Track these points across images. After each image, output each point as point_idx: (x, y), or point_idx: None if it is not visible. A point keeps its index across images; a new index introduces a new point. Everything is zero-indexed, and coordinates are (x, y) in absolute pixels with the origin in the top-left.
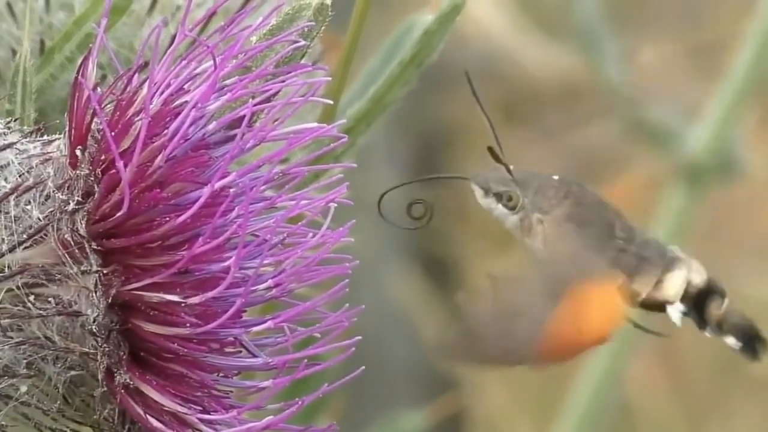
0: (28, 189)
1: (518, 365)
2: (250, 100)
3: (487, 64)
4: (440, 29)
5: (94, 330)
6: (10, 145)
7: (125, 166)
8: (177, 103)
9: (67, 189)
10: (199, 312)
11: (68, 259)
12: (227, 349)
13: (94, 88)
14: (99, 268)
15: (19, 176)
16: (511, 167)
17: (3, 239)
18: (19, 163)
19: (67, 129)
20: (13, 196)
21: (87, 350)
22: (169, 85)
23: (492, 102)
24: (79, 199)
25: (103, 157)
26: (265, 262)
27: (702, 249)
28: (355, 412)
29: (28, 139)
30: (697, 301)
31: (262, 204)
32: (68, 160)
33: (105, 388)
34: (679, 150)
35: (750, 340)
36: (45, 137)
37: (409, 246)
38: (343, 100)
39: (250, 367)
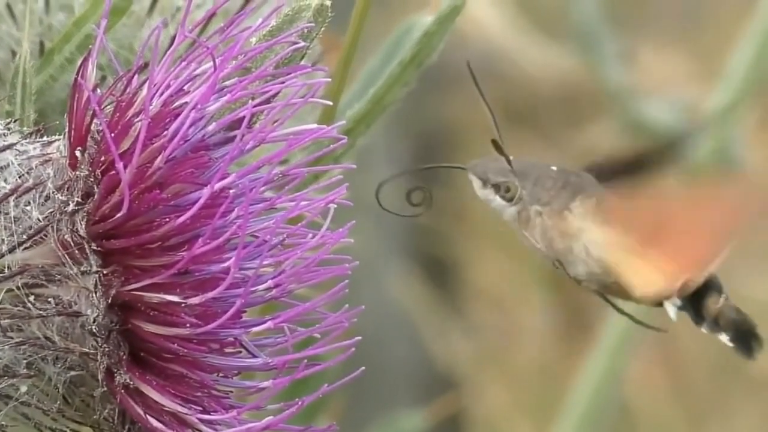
0: (28, 190)
1: None
2: (250, 101)
3: (487, 64)
4: (440, 30)
5: (94, 330)
6: (9, 146)
7: (125, 167)
8: (177, 104)
9: (67, 190)
10: (199, 312)
11: (68, 259)
12: (227, 350)
13: (94, 90)
14: (99, 269)
15: (19, 177)
16: (512, 158)
17: (3, 240)
18: (18, 164)
19: (66, 130)
20: (12, 197)
21: (87, 350)
22: (168, 86)
23: (491, 102)
24: (79, 200)
25: (102, 158)
26: (265, 262)
27: None
28: (354, 412)
29: (27, 141)
30: (694, 297)
31: (262, 205)
32: (68, 161)
33: (105, 389)
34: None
35: (745, 338)
36: (45, 138)
37: (408, 246)
38: (343, 101)
39: (250, 368)
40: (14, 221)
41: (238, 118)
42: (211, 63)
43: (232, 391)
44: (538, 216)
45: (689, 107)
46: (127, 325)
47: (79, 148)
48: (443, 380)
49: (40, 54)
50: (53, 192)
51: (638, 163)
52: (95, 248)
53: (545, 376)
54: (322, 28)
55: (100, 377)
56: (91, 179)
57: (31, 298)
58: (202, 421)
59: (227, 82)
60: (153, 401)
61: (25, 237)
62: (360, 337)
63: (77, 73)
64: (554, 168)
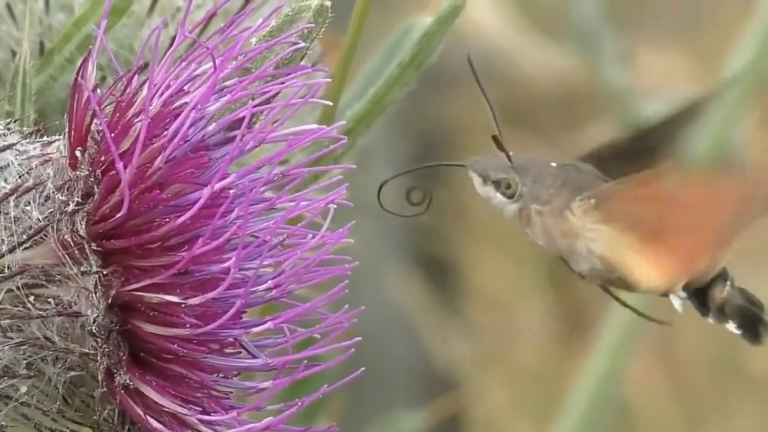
0: (28, 190)
1: None
2: (250, 101)
3: (486, 65)
4: (439, 30)
5: (94, 331)
6: (9, 147)
7: (125, 167)
8: (177, 104)
9: (67, 190)
10: (198, 313)
11: (68, 259)
12: (227, 350)
13: (94, 90)
14: (99, 269)
15: (19, 177)
16: (512, 154)
17: (3, 240)
18: (18, 164)
19: (66, 130)
20: (12, 197)
21: (87, 351)
22: (168, 86)
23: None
24: (79, 200)
25: (102, 159)
26: (265, 263)
27: None
28: (354, 412)
29: (27, 141)
30: (700, 287)
31: (262, 205)
32: (68, 161)
33: (105, 389)
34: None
35: (752, 324)
36: (45, 138)
37: (408, 247)
38: (343, 101)
39: (249, 368)
40: (14, 221)
41: (238, 118)
42: (211, 63)
43: (232, 392)
44: (538, 215)
45: None
46: (127, 326)
47: (79, 148)
48: (443, 380)
49: (40, 54)
50: (53, 192)
51: (638, 146)
52: (95, 248)
53: (545, 377)
54: (322, 29)
55: (100, 378)
56: (91, 179)
57: (31, 298)
58: (201, 421)
59: (227, 83)
60: (153, 402)
61: (25, 237)
62: (360, 338)
63: (77, 74)
64: (554, 164)
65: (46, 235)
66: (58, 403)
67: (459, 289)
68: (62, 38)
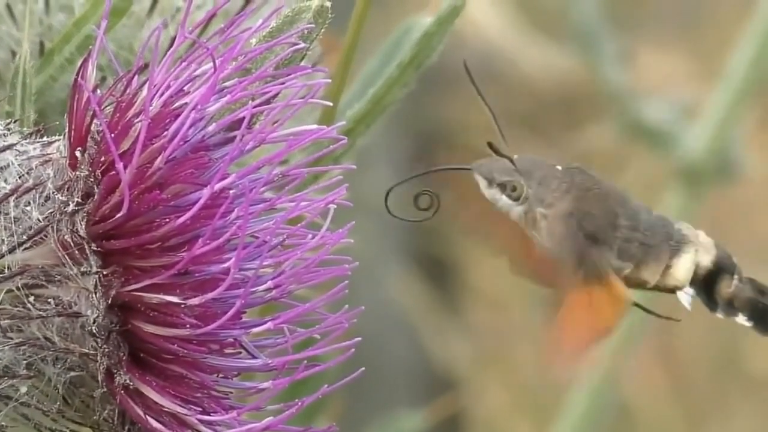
0: (28, 190)
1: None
2: (250, 102)
3: (486, 65)
4: (439, 31)
5: (94, 331)
6: (10, 147)
7: (125, 167)
8: (177, 104)
9: (67, 190)
10: (198, 313)
11: (68, 260)
12: (227, 350)
13: (94, 90)
14: (99, 269)
15: (19, 177)
16: (514, 157)
17: (3, 240)
18: (18, 165)
19: (66, 130)
20: (13, 198)
21: (87, 351)
22: (168, 86)
23: (491, 103)
24: (79, 200)
25: (102, 159)
26: (265, 263)
27: None
28: (354, 412)
29: (27, 141)
30: (707, 282)
31: (262, 205)
32: (68, 162)
33: (105, 389)
34: (678, 151)
35: (762, 316)
36: (45, 139)
37: (408, 247)
38: (343, 101)
39: (249, 368)
40: (14, 221)
41: (238, 118)
42: (211, 64)
43: (231, 392)
44: (543, 219)
45: (689, 107)
46: (126, 326)
47: (79, 148)
48: (442, 380)
49: (40, 54)
50: (53, 192)
51: None
52: (95, 249)
53: (544, 377)
54: (322, 30)
55: (99, 378)
56: (91, 179)
57: (31, 298)
58: (201, 421)
59: (227, 83)
60: (153, 402)
61: (25, 237)
62: (360, 338)
63: (77, 74)
64: (559, 167)
65: (46, 236)
66: (58, 403)
67: (459, 289)
68: (62, 38)
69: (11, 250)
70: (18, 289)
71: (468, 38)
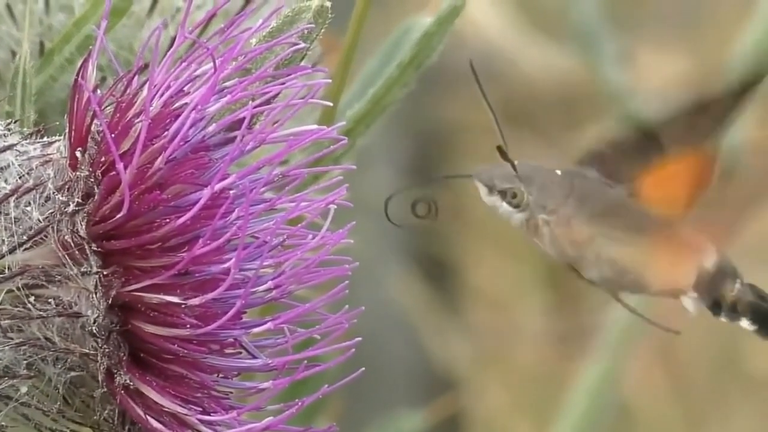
0: (28, 190)
1: None
2: (250, 102)
3: (486, 65)
4: (439, 31)
5: (94, 331)
6: (10, 147)
7: (125, 167)
8: (177, 105)
9: (67, 190)
10: (199, 313)
11: (68, 260)
12: (227, 351)
13: (94, 90)
14: (99, 270)
15: (19, 178)
16: (516, 162)
17: (3, 240)
18: (19, 165)
19: (67, 131)
20: (13, 198)
21: (87, 351)
22: (169, 87)
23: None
24: (79, 200)
25: (103, 159)
26: (265, 263)
27: None
28: (354, 412)
29: (28, 141)
30: (710, 286)
31: (262, 206)
32: (68, 162)
33: (105, 389)
34: None
35: (765, 319)
36: (45, 139)
37: (408, 247)
38: (343, 101)
39: (249, 368)
40: (14, 222)
41: (239, 119)
42: (212, 64)
43: (232, 392)
44: (545, 225)
45: None
46: (127, 326)
47: (80, 148)
48: (442, 381)
49: (40, 54)
50: (53, 192)
51: (637, 146)
52: (95, 249)
53: (544, 377)
54: (322, 30)
55: (100, 378)
56: (92, 180)
57: (32, 298)
58: (202, 421)
59: (227, 83)
60: (153, 402)
61: (25, 238)
62: (360, 338)
63: (77, 74)
64: (558, 172)
65: (46, 236)
66: (59, 403)
67: (459, 289)
68: (62, 38)
69: (11, 251)
70: (18, 289)
71: (468, 38)
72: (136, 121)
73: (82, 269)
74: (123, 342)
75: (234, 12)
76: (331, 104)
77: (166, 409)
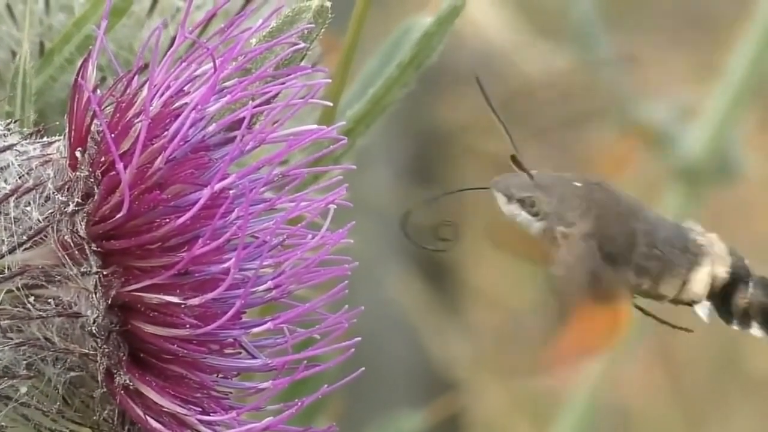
0: (28, 190)
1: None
2: (250, 102)
3: (485, 65)
4: (439, 31)
5: (94, 331)
6: (10, 147)
7: (125, 167)
8: (177, 105)
9: (67, 190)
10: (198, 313)
11: (68, 260)
12: (227, 351)
13: (94, 90)
14: (99, 270)
15: (19, 178)
16: (533, 172)
17: (3, 240)
18: (19, 165)
19: (66, 131)
20: (13, 198)
21: (87, 351)
22: (168, 87)
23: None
24: (79, 200)
25: (102, 159)
26: (265, 263)
27: None
28: (354, 413)
29: (28, 141)
30: (723, 294)
31: (262, 205)
32: (68, 162)
33: (105, 389)
34: (678, 151)
35: None
36: (45, 139)
37: (407, 247)
38: (343, 101)
39: (249, 369)
40: (14, 222)
41: (238, 118)
42: (212, 64)
43: (231, 392)
44: (563, 238)
45: (688, 108)
46: (126, 326)
47: (80, 148)
48: (442, 381)
49: (40, 54)
50: (53, 192)
51: None
52: (95, 249)
53: (543, 378)
54: (322, 30)
55: (99, 378)
56: (92, 180)
57: (31, 299)
58: (201, 422)
59: (227, 83)
60: (152, 402)
61: (25, 238)
62: (359, 338)
63: (77, 74)
64: (578, 184)
65: (46, 236)
66: (58, 403)
67: (458, 289)
68: (62, 39)
69: (11, 251)
70: (18, 289)
71: (467, 38)
72: (136, 121)
73: (82, 269)
74: (123, 342)
75: (234, 12)
76: (331, 104)
77: (166, 409)
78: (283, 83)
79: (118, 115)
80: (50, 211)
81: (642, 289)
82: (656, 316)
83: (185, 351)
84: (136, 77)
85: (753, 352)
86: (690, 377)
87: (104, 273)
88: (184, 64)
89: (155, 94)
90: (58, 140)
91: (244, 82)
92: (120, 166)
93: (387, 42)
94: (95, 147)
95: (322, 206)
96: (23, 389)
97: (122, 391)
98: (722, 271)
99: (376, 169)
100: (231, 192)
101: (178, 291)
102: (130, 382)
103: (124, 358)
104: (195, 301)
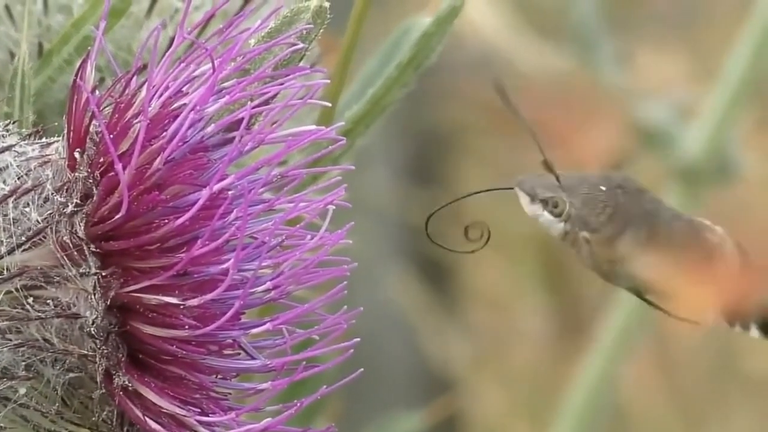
0: (27, 191)
1: None
2: (249, 102)
3: (484, 65)
4: (438, 31)
5: (93, 332)
6: (8, 148)
7: (124, 168)
8: (175, 105)
9: (66, 191)
10: (197, 314)
11: (67, 261)
12: (226, 351)
13: (93, 91)
14: (97, 271)
15: (18, 179)
16: (560, 173)
17: (2, 241)
18: (17, 166)
19: (65, 131)
20: (11, 199)
21: (86, 352)
22: (167, 87)
23: (488, 103)
24: (78, 201)
25: (101, 160)
26: (264, 264)
27: None
28: (352, 413)
29: (26, 142)
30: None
31: (261, 206)
32: (67, 163)
33: (104, 390)
34: (676, 152)
35: None
36: (43, 140)
37: (406, 248)
38: (342, 102)
39: (248, 369)
40: (13, 223)
41: (237, 119)
42: (210, 64)
43: (230, 393)
44: (586, 243)
45: (687, 108)
46: (125, 327)
47: (78, 149)
48: (440, 382)
49: (39, 55)
50: (52, 193)
51: None
52: (94, 250)
53: (542, 378)
54: (321, 30)
55: (98, 379)
56: (90, 180)
57: (30, 300)
58: (200, 422)
59: (226, 84)
60: (151, 403)
61: (24, 239)
62: (358, 339)
63: (76, 75)
64: (603, 188)
65: (44, 237)
66: (57, 404)
67: (457, 290)
68: (61, 39)
69: (10, 252)
70: (17, 290)
71: (466, 39)
72: (135, 121)
73: (81, 270)
74: (121, 343)
75: (233, 12)
76: (330, 105)
77: (165, 410)
78: (282, 84)
79: (116, 115)
80: (49, 212)
81: (658, 292)
82: (665, 309)
83: (184, 352)
84: (134, 78)
85: (752, 353)
86: (689, 377)
87: (103, 274)
88: (182, 65)
89: (154, 95)
90: (57, 141)
91: (242, 82)
92: (119, 166)
93: (386, 42)
94: (94, 148)
95: (321, 207)
96: (22, 390)
97: (121, 392)
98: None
99: (375, 169)
100: (230, 193)
101: (177, 292)
102: (129, 383)
103: (122, 359)
104: (194, 302)
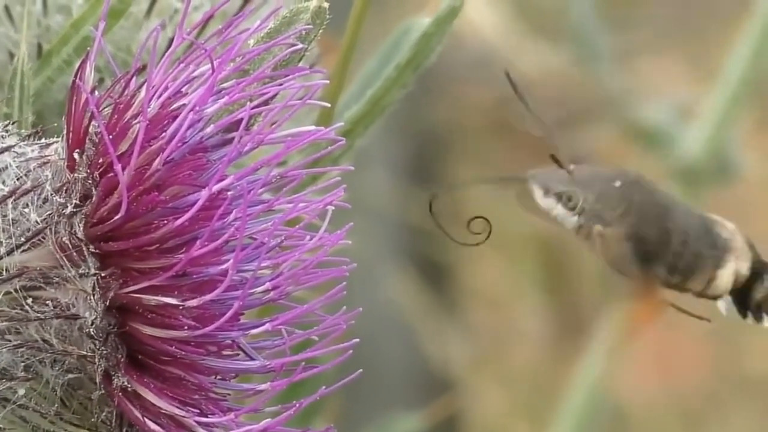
0: (26, 192)
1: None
2: (248, 103)
3: (483, 66)
4: (438, 32)
5: (92, 333)
6: (8, 149)
7: (123, 169)
8: (175, 106)
9: (65, 192)
10: (196, 315)
11: (66, 262)
12: (225, 352)
13: (92, 92)
14: (97, 271)
15: (17, 179)
16: (571, 167)
17: (1, 242)
18: (17, 167)
19: (64, 132)
20: (11, 199)
21: (85, 353)
22: (166, 88)
23: (487, 104)
24: (77, 202)
25: (101, 160)
26: (263, 264)
27: None
28: (352, 414)
29: (26, 143)
30: (743, 288)
31: (260, 207)
32: (66, 164)
33: (103, 391)
34: (676, 152)
35: None
36: (43, 140)
37: (405, 248)
38: (341, 102)
39: (247, 370)
40: (12, 223)
41: (236, 119)
42: (209, 65)
43: (229, 394)
44: (599, 237)
45: (686, 109)
46: (125, 328)
47: (77, 150)
48: (440, 382)
49: (38, 56)
50: (51, 194)
51: None
52: (93, 250)
53: (541, 378)
54: (320, 30)
55: (97, 380)
56: (90, 181)
57: (29, 300)
58: (199, 423)
59: (225, 84)
60: (151, 404)
61: (23, 239)
62: (357, 339)
63: (75, 75)
64: (617, 183)
65: (44, 238)
66: (56, 405)
67: (456, 290)
68: (60, 40)
69: (9, 252)
70: (16, 291)
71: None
72: (134, 122)
73: (80, 271)
74: (121, 344)
75: (232, 13)
76: (329, 105)
77: (164, 411)
78: (281, 84)
79: (116, 116)
80: (48, 212)
81: (671, 283)
82: (676, 305)
83: (183, 352)
84: (134, 78)
85: (751, 353)
86: (687, 378)
87: (102, 275)
88: (182, 66)
89: (153, 96)
90: (56, 142)
91: (242, 83)
92: (118, 167)
93: (385, 43)
94: (93, 148)
95: (320, 207)
96: (21, 391)
97: (120, 393)
98: (745, 267)
99: (375, 170)
100: (229, 193)
101: (176, 292)
102: (128, 383)
103: (122, 359)
104: (193, 303)
